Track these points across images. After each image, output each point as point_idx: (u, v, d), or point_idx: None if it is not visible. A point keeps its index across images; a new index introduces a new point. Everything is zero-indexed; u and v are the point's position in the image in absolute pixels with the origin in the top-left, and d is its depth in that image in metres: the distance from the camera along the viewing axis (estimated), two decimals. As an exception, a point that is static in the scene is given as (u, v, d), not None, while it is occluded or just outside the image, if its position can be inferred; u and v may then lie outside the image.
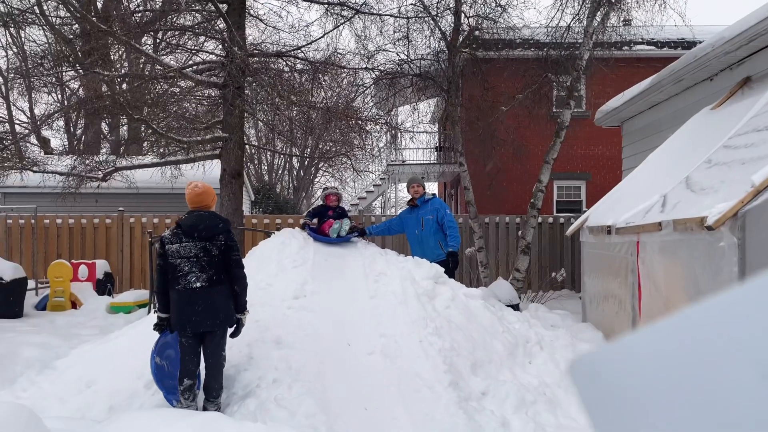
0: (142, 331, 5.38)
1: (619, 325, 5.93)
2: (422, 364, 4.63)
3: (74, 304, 9.49)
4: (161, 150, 9.57)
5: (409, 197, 7.03)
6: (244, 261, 6.08)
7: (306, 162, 33.22)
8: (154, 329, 4.26)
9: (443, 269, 5.90)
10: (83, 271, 9.96)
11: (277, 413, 3.93)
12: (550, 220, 11.74)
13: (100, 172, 10.00)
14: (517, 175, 13.15)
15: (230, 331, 4.30)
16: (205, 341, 4.21)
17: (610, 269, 6.19)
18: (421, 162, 18.50)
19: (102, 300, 9.56)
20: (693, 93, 7.69)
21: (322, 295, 5.37)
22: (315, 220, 6.54)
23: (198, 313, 4.10)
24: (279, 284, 5.48)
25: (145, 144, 11.70)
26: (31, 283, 9.93)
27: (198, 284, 4.11)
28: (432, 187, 23.13)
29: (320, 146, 11.80)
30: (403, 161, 19.03)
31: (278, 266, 5.75)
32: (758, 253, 3.83)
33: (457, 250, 6.59)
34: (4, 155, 9.12)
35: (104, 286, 10.39)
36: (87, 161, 9.90)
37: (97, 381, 4.80)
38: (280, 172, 35.30)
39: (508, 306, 7.75)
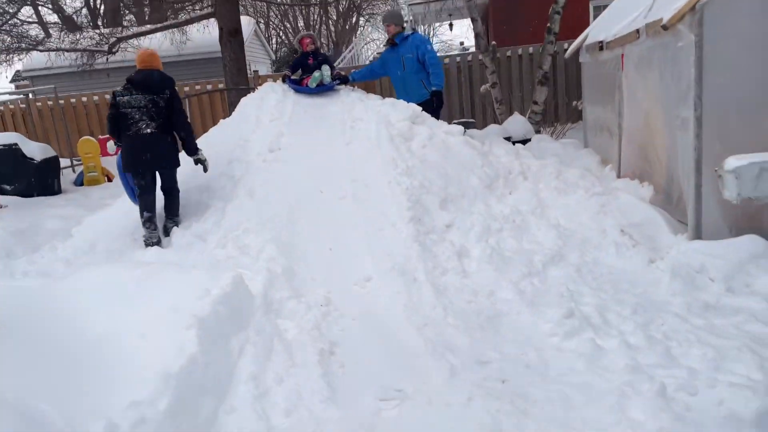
0: (134, 196, 5.71)
1: (611, 147, 5.70)
2: (388, 203, 4.70)
3: (109, 178, 10.02)
4: (156, 15, 9.38)
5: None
6: (229, 119, 6.20)
7: (344, 13, 31.69)
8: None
9: (421, 109, 5.73)
10: (110, 145, 10.37)
11: (241, 260, 4.18)
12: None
13: (106, 45, 10.03)
14: (538, 1, 12.10)
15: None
16: (160, 178, 5.05)
17: (603, 88, 5.83)
18: (448, -4, 17.21)
19: (132, 171, 10.01)
20: None
21: (297, 146, 5.41)
22: (299, 72, 6.41)
23: (148, 156, 4.88)
24: (255, 139, 5.54)
25: (144, 9, 11.43)
26: (66, 161, 10.51)
27: (148, 130, 4.86)
28: (460, 25, 21.70)
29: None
30: (428, -1, 17.81)
31: (256, 121, 5.77)
32: (717, 50, 3.46)
33: (441, 89, 6.29)
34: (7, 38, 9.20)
35: (135, 158, 10.82)
36: (90, 35, 9.88)
37: (98, 243, 5.18)
38: (317, 27, 33.99)
39: (520, 141, 7.58)
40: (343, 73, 6.65)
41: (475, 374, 2.74)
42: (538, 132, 9.02)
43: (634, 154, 5.01)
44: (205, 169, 5.09)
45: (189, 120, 5.05)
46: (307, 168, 5.17)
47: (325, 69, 6.16)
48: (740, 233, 3.66)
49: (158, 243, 4.82)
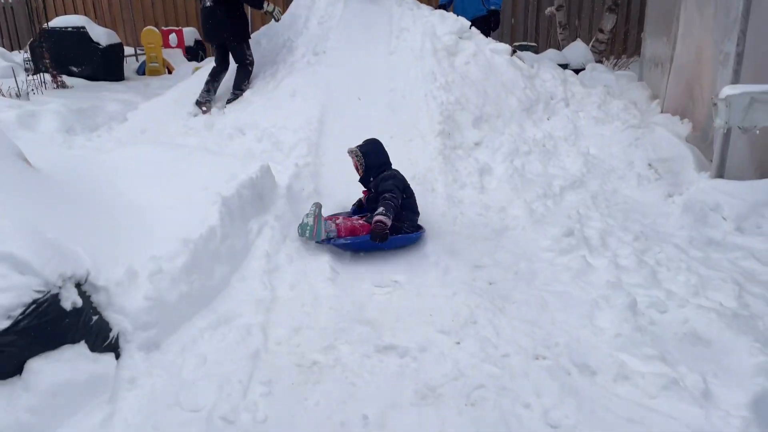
0: (186, 85, 5.99)
1: (661, 83, 5.53)
2: (421, 116, 4.80)
3: (169, 70, 10.35)
4: None
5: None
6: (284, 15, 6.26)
7: None
8: None
9: (470, 24, 5.66)
10: (173, 38, 10.63)
11: (274, 154, 4.42)
12: (655, -29, 10.26)
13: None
14: None
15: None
16: (230, 52, 5.57)
17: (664, 20, 5.58)
18: None
19: (191, 65, 10.31)
20: None
21: (341, 51, 5.49)
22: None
23: (208, 27, 5.46)
24: (302, 41, 5.64)
25: None
26: (130, 50, 10.87)
27: (208, 3, 5.34)
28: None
29: None
30: None
31: (305, 23, 5.85)
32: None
33: (500, 9, 6.16)
34: None
35: (195, 52, 11.09)
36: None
37: (149, 129, 5.53)
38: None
39: (578, 70, 7.39)
40: (386, 221, 3.22)
41: (466, 275, 2.95)
42: (599, 62, 8.71)
43: (680, 89, 4.87)
44: (276, 20, 5.59)
45: None
46: (348, 74, 5.27)
47: (309, 217, 3.27)
48: (765, 176, 3.62)
49: (205, 105, 5.44)
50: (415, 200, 3.55)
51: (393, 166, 3.81)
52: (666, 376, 2.06)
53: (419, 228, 3.44)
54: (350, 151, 3.76)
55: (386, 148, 3.91)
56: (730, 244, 3.21)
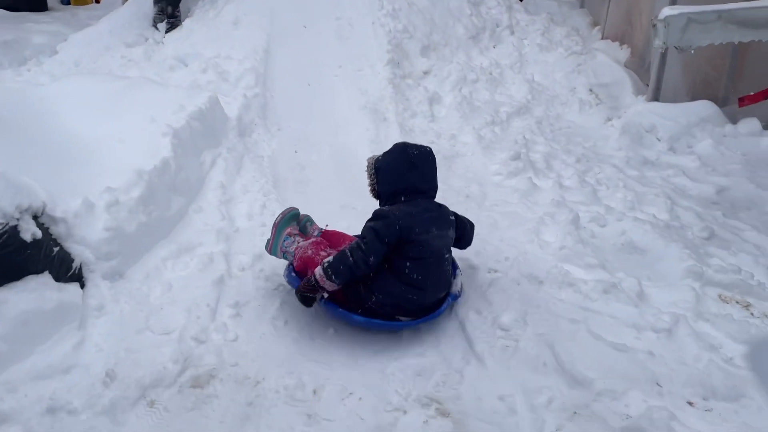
0: (120, 15, 5.70)
1: (602, 9, 5.63)
2: (370, 44, 4.76)
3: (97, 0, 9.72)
4: None
5: None
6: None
7: None
8: None
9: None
10: (98, -36, 9.92)
11: (220, 86, 4.32)
12: None
13: None
14: None
15: None
16: None
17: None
18: None
19: (120, -5, 9.72)
20: None
21: (284, -22, 5.31)
22: None
23: None
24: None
25: None
26: (52, -22, 10.11)
27: None
28: None
29: None
30: None
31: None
32: None
33: None
34: None
35: (124, -19, 10.42)
36: None
37: (83, 61, 5.27)
38: None
39: None
40: (323, 281, 2.10)
41: (420, 199, 3.05)
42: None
43: (620, 16, 5.00)
44: None
45: None
46: (292, 1, 5.12)
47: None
48: (696, 98, 3.84)
49: (162, 22, 5.29)
50: (419, 264, 2.11)
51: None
52: (605, 282, 2.26)
53: (412, 314, 2.10)
54: (368, 162, 2.50)
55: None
56: (663, 162, 3.43)
